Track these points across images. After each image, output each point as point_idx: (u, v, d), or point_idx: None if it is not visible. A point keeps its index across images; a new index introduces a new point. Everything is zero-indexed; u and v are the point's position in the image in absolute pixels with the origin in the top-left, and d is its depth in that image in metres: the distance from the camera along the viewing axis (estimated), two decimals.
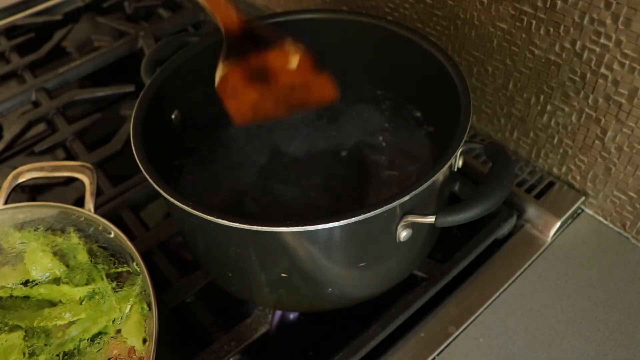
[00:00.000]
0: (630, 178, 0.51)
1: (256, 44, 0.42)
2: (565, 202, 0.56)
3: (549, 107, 0.54)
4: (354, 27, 0.54)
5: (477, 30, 0.56)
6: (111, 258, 0.42)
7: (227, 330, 0.49)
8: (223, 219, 0.37)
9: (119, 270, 0.42)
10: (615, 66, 0.46)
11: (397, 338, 0.49)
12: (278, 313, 0.53)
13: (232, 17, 0.41)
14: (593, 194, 0.56)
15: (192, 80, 0.52)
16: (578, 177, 0.56)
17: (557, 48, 0.50)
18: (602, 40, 0.46)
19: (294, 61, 0.42)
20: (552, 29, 0.49)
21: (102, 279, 0.41)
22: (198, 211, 0.37)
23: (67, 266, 0.42)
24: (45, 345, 0.38)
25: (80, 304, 0.40)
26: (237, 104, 0.44)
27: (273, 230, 0.37)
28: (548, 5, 0.48)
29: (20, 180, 0.48)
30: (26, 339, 0.38)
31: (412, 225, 0.41)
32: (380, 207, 0.37)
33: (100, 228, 0.44)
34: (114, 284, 0.41)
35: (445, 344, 0.48)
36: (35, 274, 0.41)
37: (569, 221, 0.56)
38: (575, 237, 0.55)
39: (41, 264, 0.41)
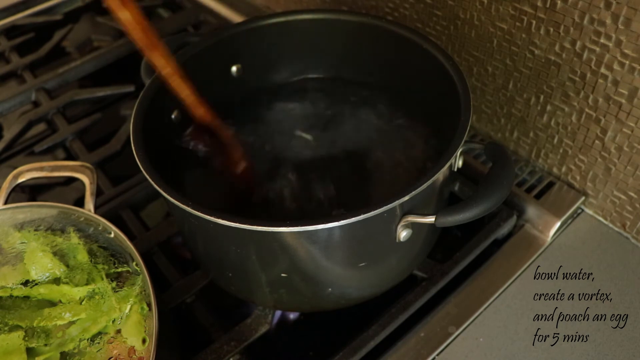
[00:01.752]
0: (630, 178, 0.51)
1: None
2: (565, 202, 0.56)
3: (549, 107, 0.54)
4: (353, 27, 0.54)
5: (477, 30, 0.56)
6: (111, 258, 0.42)
7: (227, 330, 0.49)
8: (223, 219, 0.37)
9: (119, 270, 0.42)
10: (615, 66, 0.46)
11: (397, 338, 0.49)
12: (278, 313, 0.53)
13: (207, 116, 0.49)
14: (593, 194, 0.56)
15: (192, 80, 0.52)
16: (578, 177, 0.56)
17: (557, 48, 0.50)
18: (602, 40, 0.46)
19: (239, 162, 0.51)
20: (552, 29, 0.49)
21: (102, 279, 0.41)
22: (198, 211, 0.37)
23: (67, 266, 0.42)
24: (45, 345, 0.38)
25: (80, 304, 0.40)
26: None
27: (273, 230, 0.37)
28: (548, 5, 0.48)
29: (20, 180, 0.48)
30: (26, 339, 0.38)
31: (412, 225, 0.41)
32: (380, 207, 0.37)
33: (100, 228, 0.44)
34: (114, 284, 0.41)
35: (445, 344, 0.48)
36: (35, 274, 0.41)
37: (569, 221, 0.56)
38: (575, 237, 0.55)
39: (41, 264, 0.41)
